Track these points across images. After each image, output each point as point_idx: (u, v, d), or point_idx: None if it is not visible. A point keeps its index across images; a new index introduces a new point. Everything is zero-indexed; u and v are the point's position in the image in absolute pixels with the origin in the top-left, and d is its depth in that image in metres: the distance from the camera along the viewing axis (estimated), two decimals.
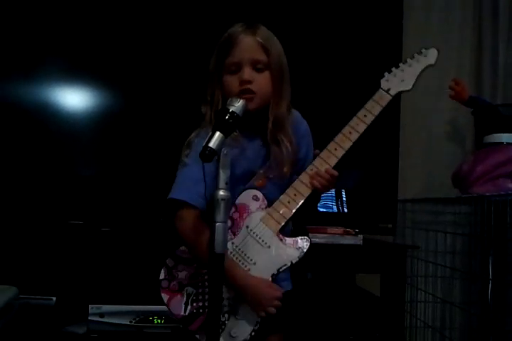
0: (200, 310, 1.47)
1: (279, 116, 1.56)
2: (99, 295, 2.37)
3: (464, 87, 2.91)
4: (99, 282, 2.45)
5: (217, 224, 1.21)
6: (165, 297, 1.51)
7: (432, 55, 1.59)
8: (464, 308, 2.94)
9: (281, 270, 1.47)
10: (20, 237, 2.47)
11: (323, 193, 1.57)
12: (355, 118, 1.52)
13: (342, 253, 2.42)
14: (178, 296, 1.50)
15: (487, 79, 3.26)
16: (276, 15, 2.73)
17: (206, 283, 1.48)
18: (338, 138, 1.51)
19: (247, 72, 1.52)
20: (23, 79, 2.60)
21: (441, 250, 3.01)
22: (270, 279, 1.47)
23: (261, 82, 1.54)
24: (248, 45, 1.54)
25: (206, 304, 1.46)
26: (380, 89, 1.54)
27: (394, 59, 2.89)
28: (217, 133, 1.21)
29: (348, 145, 1.51)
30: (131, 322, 2.27)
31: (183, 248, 1.52)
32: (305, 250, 1.49)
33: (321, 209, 2.71)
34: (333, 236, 2.41)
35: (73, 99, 2.67)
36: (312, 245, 2.34)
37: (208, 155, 1.18)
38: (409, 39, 3.15)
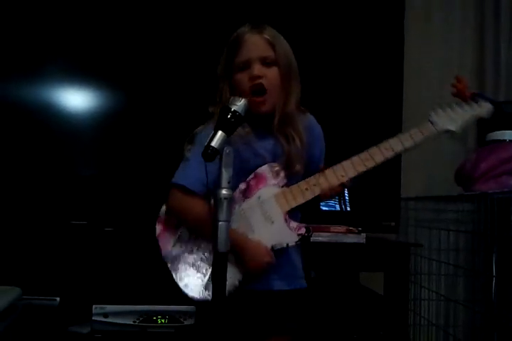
0: (185, 254, 1.50)
1: (288, 112, 1.58)
2: (103, 295, 2.38)
3: (465, 84, 2.90)
4: (102, 282, 2.45)
5: (220, 223, 1.20)
6: (158, 228, 1.54)
7: (486, 109, 1.67)
8: (468, 306, 2.94)
9: (274, 248, 1.48)
10: (23, 238, 2.47)
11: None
12: (396, 138, 1.57)
13: (345, 251, 2.42)
14: (171, 232, 1.53)
15: (489, 78, 3.26)
16: (277, 16, 2.73)
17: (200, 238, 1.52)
18: (373, 149, 1.56)
19: (257, 68, 1.55)
20: (25, 79, 2.60)
21: (445, 248, 3.00)
22: None
23: (271, 76, 1.56)
24: (255, 43, 1.57)
25: (194, 251, 1.50)
26: (428, 121, 1.60)
27: (395, 59, 2.89)
28: (220, 133, 1.21)
29: (381, 159, 1.55)
30: (134, 322, 2.27)
31: None
32: (303, 238, 1.50)
33: (324, 208, 2.71)
34: (337, 234, 2.41)
35: (75, 99, 2.68)
36: (315, 244, 2.37)
37: (211, 154, 1.18)
38: (410, 39, 3.14)
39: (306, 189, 1.52)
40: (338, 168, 1.54)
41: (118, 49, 2.66)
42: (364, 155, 1.55)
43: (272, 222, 1.51)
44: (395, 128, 2.83)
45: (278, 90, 1.57)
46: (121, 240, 2.47)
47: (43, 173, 2.57)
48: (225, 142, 1.21)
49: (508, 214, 2.34)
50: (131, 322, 2.26)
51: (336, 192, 1.53)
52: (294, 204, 1.52)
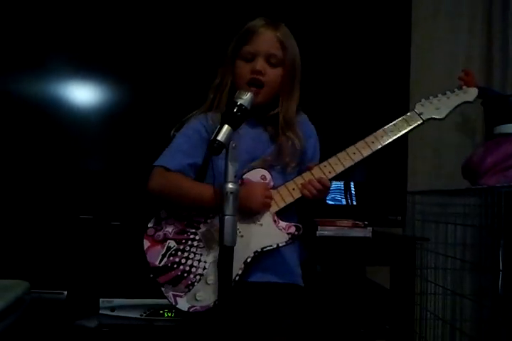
0: (174, 266, 1.51)
1: (288, 115, 1.61)
2: (110, 289, 2.39)
3: (473, 77, 2.89)
4: (109, 276, 2.46)
5: (226, 217, 1.21)
6: (146, 243, 1.55)
7: (471, 94, 1.64)
8: (475, 300, 2.93)
9: (264, 249, 1.49)
10: (31, 232, 2.48)
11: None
12: (382, 131, 1.58)
13: (351, 245, 2.42)
14: (159, 247, 1.54)
15: (497, 70, 3.24)
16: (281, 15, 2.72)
17: (189, 242, 1.53)
18: (360, 143, 1.56)
19: (261, 63, 1.57)
20: (31, 74, 2.60)
21: (451, 242, 3.00)
22: (252, 255, 1.48)
23: (272, 75, 1.59)
24: (267, 38, 1.58)
25: (182, 261, 1.51)
26: (413, 111, 1.61)
27: (402, 52, 2.88)
28: (226, 126, 1.21)
29: (367, 152, 1.55)
30: (141, 315, 2.28)
31: None
32: (294, 237, 1.50)
33: (330, 202, 2.71)
34: (343, 228, 2.41)
35: (83, 93, 2.68)
36: (322, 238, 2.37)
37: (217, 148, 1.18)
38: (417, 31, 3.13)
39: (294, 189, 1.53)
40: (324, 164, 1.55)
41: (124, 43, 2.66)
42: (350, 149, 1.55)
43: (261, 224, 1.51)
44: None
45: (275, 90, 1.60)
46: (128, 234, 2.47)
47: (50, 168, 2.57)
48: (231, 136, 1.21)
49: None
50: (138, 316, 2.27)
51: (320, 191, 1.51)
52: (282, 205, 1.53)
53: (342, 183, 2.72)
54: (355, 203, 2.74)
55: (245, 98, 1.29)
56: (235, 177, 1.24)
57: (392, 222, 2.77)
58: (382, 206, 2.79)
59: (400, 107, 2.76)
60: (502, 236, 2.50)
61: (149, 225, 1.57)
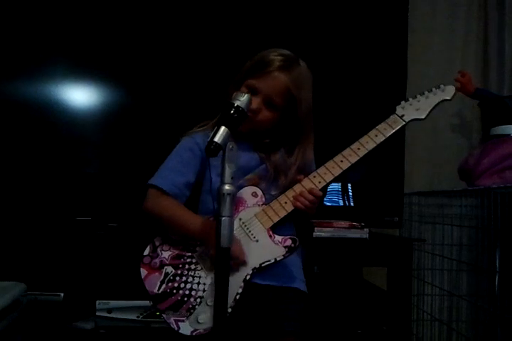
0: (174, 291, 1.49)
1: (305, 160, 1.63)
2: (107, 291, 2.38)
3: (469, 79, 2.90)
4: (106, 278, 2.46)
5: (223, 218, 1.21)
6: (143, 272, 1.53)
7: (449, 91, 1.63)
8: (471, 301, 2.94)
9: (263, 265, 1.48)
10: (28, 234, 2.48)
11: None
12: (366, 137, 1.56)
13: (348, 246, 2.42)
14: (156, 274, 1.52)
15: (493, 71, 3.25)
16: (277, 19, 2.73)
17: (187, 266, 1.52)
18: (347, 151, 1.56)
19: (257, 102, 1.55)
20: (29, 76, 2.60)
21: (448, 243, 3.00)
22: (251, 272, 1.47)
23: (264, 116, 1.57)
24: (276, 83, 1.56)
25: (181, 286, 1.49)
26: (395, 114, 1.60)
27: (399, 53, 2.88)
28: (223, 128, 1.21)
29: (355, 159, 1.55)
30: (138, 317, 2.28)
31: None
32: (291, 249, 1.49)
33: (327, 204, 2.71)
34: (340, 229, 2.41)
35: (79, 96, 2.67)
36: (319, 239, 2.37)
37: (214, 149, 1.18)
38: (414, 32, 3.13)
39: (286, 202, 1.52)
40: (314, 175, 1.54)
41: (123, 45, 2.65)
42: (338, 157, 1.55)
43: (257, 241, 1.50)
44: None
45: (262, 128, 1.59)
46: (125, 236, 2.47)
47: (48, 170, 2.57)
48: (228, 138, 1.21)
49: (511, 209, 2.34)
50: (135, 318, 2.27)
51: (312, 202, 1.51)
52: (276, 219, 1.52)
53: (339, 184, 2.72)
54: (352, 204, 2.74)
55: (242, 99, 1.29)
56: (232, 178, 1.23)
57: (389, 223, 2.77)
58: (379, 207, 2.79)
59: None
60: (498, 237, 2.51)
61: (145, 253, 1.55)
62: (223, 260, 1.22)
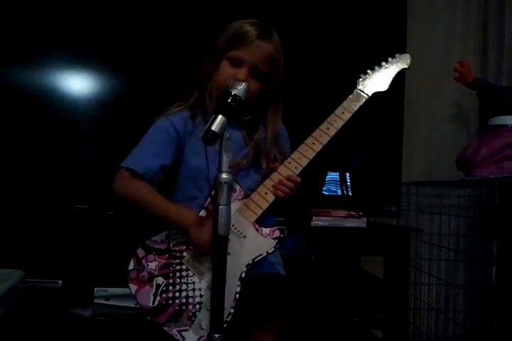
0: (170, 301, 1.45)
1: (276, 130, 1.64)
2: (105, 279, 2.39)
3: (468, 69, 2.90)
4: (104, 265, 2.46)
5: (220, 206, 1.21)
6: (133, 288, 1.49)
7: (405, 60, 1.65)
8: (468, 290, 2.95)
9: (256, 260, 1.47)
10: (26, 221, 2.48)
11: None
12: (333, 115, 1.56)
13: (346, 236, 2.42)
14: (147, 287, 1.48)
15: (492, 61, 3.25)
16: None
17: (177, 274, 1.48)
18: (316, 132, 1.55)
19: (244, 73, 1.56)
20: (28, 63, 2.59)
21: (445, 233, 3.02)
22: (245, 269, 1.45)
23: (252, 88, 1.54)
24: (260, 52, 1.57)
25: (176, 295, 1.45)
26: (357, 89, 1.60)
27: (397, 43, 2.86)
28: (220, 117, 1.21)
29: (326, 139, 1.54)
30: (136, 304, 2.28)
31: (154, 238, 1.52)
32: (281, 240, 1.48)
33: (325, 193, 2.71)
34: (337, 219, 2.41)
35: (77, 83, 2.66)
36: (316, 228, 2.38)
37: (211, 138, 1.18)
38: (414, 23, 3.10)
39: (266, 193, 1.51)
40: (289, 161, 1.54)
41: (121, 33, 2.64)
42: (309, 140, 1.54)
43: (244, 237, 1.48)
44: (397, 111, 2.82)
45: (250, 101, 1.56)
46: (122, 224, 2.48)
47: (45, 158, 2.57)
48: (225, 126, 1.21)
49: (509, 199, 2.34)
50: (133, 305, 2.27)
51: (292, 189, 1.51)
52: (260, 212, 1.51)
53: (337, 174, 2.72)
54: (349, 194, 2.74)
55: (240, 88, 1.29)
56: (229, 167, 1.23)
57: (386, 212, 2.77)
58: (377, 197, 2.79)
59: (395, 99, 2.77)
60: (496, 228, 2.52)
61: (130, 268, 1.51)
62: (221, 248, 1.22)
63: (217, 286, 1.23)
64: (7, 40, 2.55)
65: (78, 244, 2.51)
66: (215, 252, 1.23)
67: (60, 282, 2.36)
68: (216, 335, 1.20)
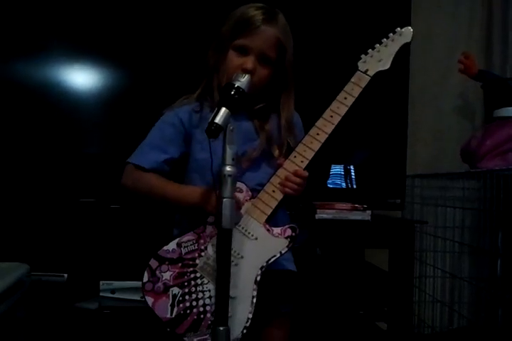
0: (188, 311, 1.42)
1: (289, 117, 1.60)
2: (110, 272, 2.40)
3: (473, 60, 2.89)
4: (110, 258, 2.47)
5: (224, 199, 1.21)
6: (149, 300, 1.45)
7: (406, 34, 1.58)
8: (473, 283, 2.95)
9: (270, 262, 1.43)
10: (31, 215, 2.49)
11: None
12: (335, 102, 1.51)
13: (350, 228, 2.42)
14: (164, 298, 1.44)
15: (497, 53, 3.23)
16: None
17: (192, 282, 1.45)
18: (320, 121, 1.50)
19: (251, 62, 1.52)
20: (30, 57, 2.59)
21: (450, 225, 3.01)
22: (259, 272, 1.42)
23: (260, 74, 1.53)
24: (266, 37, 1.53)
25: (194, 304, 1.42)
26: (358, 71, 1.54)
27: None
28: (223, 109, 1.20)
29: (330, 128, 1.49)
30: (142, 297, 2.28)
31: (165, 247, 1.48)
32: (293, 239, 1.45)
33: (330, 186, 2.71)
34: (342, 211, 2.41)
35: (83, 77, 2.66)
36: (321, 221, 2.38)
37: (214, 130, 1.17)
38: (418, 15, 3.08)
39: (273, 191, 1.47)
40: (294, 155, 1.49)
41: (125, 27, 2.64)
42: (313, 131, 1.49)
43: (256, 238, 1.45)
44: (402, 103, 2.81)
45: (261, 89, 1.56)
46: (127, 217, 2.48)
47: (50, 151, 2.57)
48: (228, 119, 1.20)
49: None
50: (139, 298, 2.28)
51: (300, 184, 1.48)
52: (269, 211, 1.46)
53: (341, 167, 2.72)
54: (354, 186, 2.74)
55: (243, 80, 1.29)
56: (233, 159, 1.23)
57: (391, 205, 2.77)
58: (382, 189, 2.79)
59: (400, 90, 2.76)
60: (500, 220, 2.51)
61: (144, 280, 1.46)
62: (225, 241, 1.23)
63: (222, 279, 1.23)
64: (11, 35, 2.55)
65: (83, 238, 2.52)
66: (219, 245, 1.23)
67: (66, 275, 2.37)
68: (221, 328, 1.20)
